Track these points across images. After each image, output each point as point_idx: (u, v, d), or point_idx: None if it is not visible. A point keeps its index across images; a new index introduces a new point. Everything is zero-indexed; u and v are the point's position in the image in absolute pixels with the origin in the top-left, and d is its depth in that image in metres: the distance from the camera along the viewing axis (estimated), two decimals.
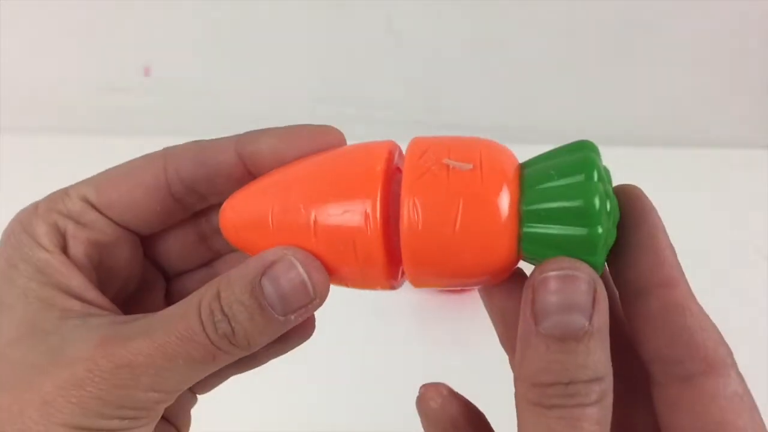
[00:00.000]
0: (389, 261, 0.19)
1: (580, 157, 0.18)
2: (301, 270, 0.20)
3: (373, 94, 0.47)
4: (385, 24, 0.49)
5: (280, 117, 0.48)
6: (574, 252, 0.18)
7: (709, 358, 0.18)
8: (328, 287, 0.20)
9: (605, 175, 0.18)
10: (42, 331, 0.21)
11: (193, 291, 0.21)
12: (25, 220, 0.22)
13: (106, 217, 0.22)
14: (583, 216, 0.17)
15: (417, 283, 0.20)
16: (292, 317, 0.20)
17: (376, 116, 0.47)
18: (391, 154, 0.20)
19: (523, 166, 0.19)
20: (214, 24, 0.51)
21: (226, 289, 0.20)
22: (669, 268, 0.18)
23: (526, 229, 0.18)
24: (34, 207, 0.22)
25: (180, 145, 0.23)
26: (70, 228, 0.22)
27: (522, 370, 0.17)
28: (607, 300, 0.17)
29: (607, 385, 0.17)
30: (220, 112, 0.48)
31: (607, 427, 0.17)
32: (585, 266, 0.17)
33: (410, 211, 0.18)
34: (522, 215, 0.18)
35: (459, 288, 0.20)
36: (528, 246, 0.18)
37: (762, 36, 0.47)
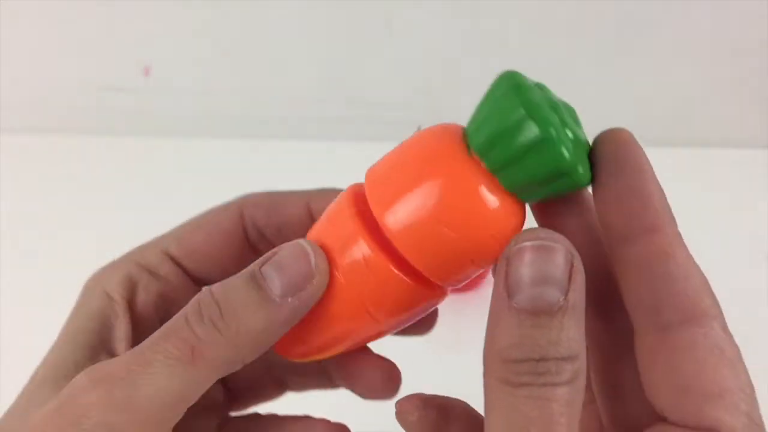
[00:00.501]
0: (413, 280, 0.19)
1: (499, 85, 0.17)
2: (305, 244, 0.19)
3: (375, 94, 0.47)
4: (385, 22, 0.49)
5: (280, 117, 0.48)
6: (545, 165, 0.16)
7: (689, 307, 0.16)
8: (328, 269, 0.19)
9: (535, 88, 0.17)
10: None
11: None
12: (101, 271, 0.22)
13: (184, 269, 0.22)
14: (523, 124, 0.16)
15: (440, 278, 0.19)
16: (290, 299, 0.18)
17: (379, 116, 0.47)
18: (357, 196, 0.20)
19: (464, 130, 0.18)
20: (214, 24, 0.51)
21: (218, 287, 0.19)
22: (653, 213, 0.17)
23: (501, 181, 0.17)
24: (113, 261, 0.22)
25: (254, 195, 0.23)
26: (144, 279, 0.22)
27: (492, 345, 0.16)
28: (584, 274, 0.16)
29: (580, 365, 0.16)
30: (220, 113, 0.48)
31: (578, 410, 0.16)
32: (562, 238, 0.16)
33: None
34: (489, 170, 0.17)
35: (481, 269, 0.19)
36: (519, 191, 0.18)
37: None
